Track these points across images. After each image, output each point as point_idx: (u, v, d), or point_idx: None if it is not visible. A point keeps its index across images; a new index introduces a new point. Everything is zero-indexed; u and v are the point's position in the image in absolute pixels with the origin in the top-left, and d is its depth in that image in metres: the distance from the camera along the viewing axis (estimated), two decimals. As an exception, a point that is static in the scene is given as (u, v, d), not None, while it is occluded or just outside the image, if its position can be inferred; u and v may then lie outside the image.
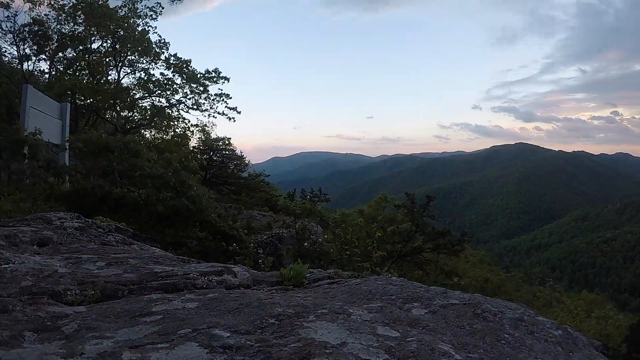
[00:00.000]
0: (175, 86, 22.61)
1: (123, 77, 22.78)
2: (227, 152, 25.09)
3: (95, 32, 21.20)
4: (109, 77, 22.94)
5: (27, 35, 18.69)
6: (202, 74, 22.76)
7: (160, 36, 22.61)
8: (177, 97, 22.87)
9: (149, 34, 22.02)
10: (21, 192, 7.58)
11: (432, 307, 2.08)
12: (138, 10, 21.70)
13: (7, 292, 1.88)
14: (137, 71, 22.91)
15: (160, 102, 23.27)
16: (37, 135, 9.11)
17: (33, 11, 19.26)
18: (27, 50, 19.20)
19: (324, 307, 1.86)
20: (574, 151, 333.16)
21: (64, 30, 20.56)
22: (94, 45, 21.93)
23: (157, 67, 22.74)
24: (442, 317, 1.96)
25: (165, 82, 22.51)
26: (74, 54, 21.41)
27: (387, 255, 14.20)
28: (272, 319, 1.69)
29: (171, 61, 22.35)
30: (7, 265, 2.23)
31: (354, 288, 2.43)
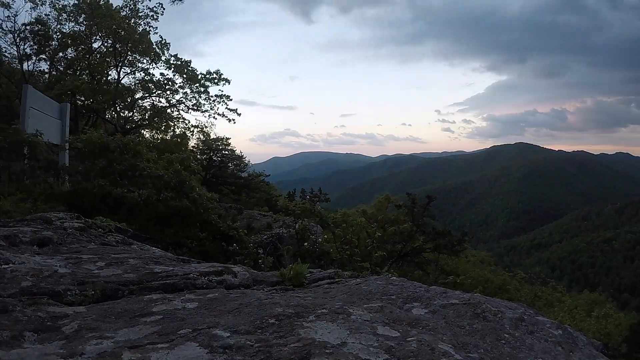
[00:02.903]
0: (175, 86, 22.61)
1: (123, 77, 22.79)
2: (226, 152, 25.12)
3: (96, 32, 21.21)
4: (109, 77, 22.96)
5: (27, 35, 18.68)
6: (202, 74, 22.76)
7: (161, 37, 22.63)
8: (177, 97, 22.87)
9: (150, 35, 22.04)
10: (21, 192, 7.56)
11: (432, 307, 2.08)
12: (139, 11, 21.72)
13: (7, 292, 1.87)
14: (137, 71, 22.92)
15: (160, 102, 23.29)
16: (38, 136, 9.11)
17: (34, 10, 19.28)
18: (28, 50, 19.20)
19: (324, 307, 1.86)
20: (573, 151, 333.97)
21: (64, 30, 20.59)
22: (95, 45, 21.96)
23: (157, 68, 22.76)
24: (442, 317, 1.96)
25: (165, 82, 22.50)
26: (75, 54, 21.40)
27: (388, 255, 14.20)
28: (272, 319, 1.69)
29: (171, 61, 22.36)
30: (7, 266, 2.23)
31: (354, 288, 2.43)
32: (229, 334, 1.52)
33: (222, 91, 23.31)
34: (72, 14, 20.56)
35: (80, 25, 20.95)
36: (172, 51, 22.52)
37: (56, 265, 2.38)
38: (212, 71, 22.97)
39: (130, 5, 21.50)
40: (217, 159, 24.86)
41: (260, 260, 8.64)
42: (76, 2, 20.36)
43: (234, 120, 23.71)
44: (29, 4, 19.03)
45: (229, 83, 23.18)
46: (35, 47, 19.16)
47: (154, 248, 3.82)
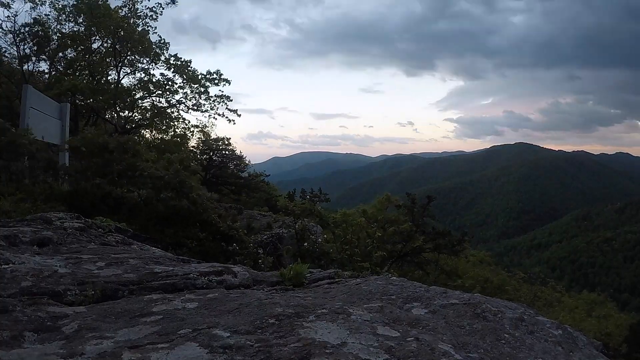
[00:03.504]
0: (175, 86, 22.60)
1: (123, 78, 22.78)
2: (227, 152, 25.10)
3: (95, 32, 21.20)
4: (109, 77, 22.95)
5: (27, 35, 18.68)
6: (203, 74, 22.76)
7: (160, 37, 22.61)
8: (177, 97, 22.87)
9: (149, 35, 22.03)
10: (21, 192, 7.56)
11: (432, 307, 2.08)
12: (138, 11, 21.72)
13: (7, 292, 1.87)
14: (137, 71, 22.91)
15: (160, 102, 23.27)
16: (37, 136, 9.11)
17: (34, 11, 19.28)
18: (27, 51, 19.18)
19: (324, 307, 1.86)
20: (573, 151, 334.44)
21: (64, 31, 20.59)
22: (94, 46, 21.94)
23: (157, 68, 22.75)
24: (442, 317, 1.96)
25: (165, 82, 22.50)
26: (74, 54, 21.39)
27: (387, 255, 14.19)
28: (272, 319, 1.69)
29: (171, 61, 22.35)
30: (7, 266, 2.23)
31: (354, 288, 2.43)
32: (229, 334, 1.52)
33: (222, 91, 23.34)
34: (71, 14, 20.56)
35: (80, 26, 20.94)
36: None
37: (56, 265, 2.38)
38: (212, 71, 22.99)
39: (129, 5, 21.51)
40: (217, 159, 24.85)
41: (260, 260, 8.63)
42: (75, 2, 20.36)
43: (233, 120, 23.74)
44: (28, 4, 19.05)
45: (229, 84, 23.21)
46: (35, 47, 19.15)
47: (154, 248, 3.82)
